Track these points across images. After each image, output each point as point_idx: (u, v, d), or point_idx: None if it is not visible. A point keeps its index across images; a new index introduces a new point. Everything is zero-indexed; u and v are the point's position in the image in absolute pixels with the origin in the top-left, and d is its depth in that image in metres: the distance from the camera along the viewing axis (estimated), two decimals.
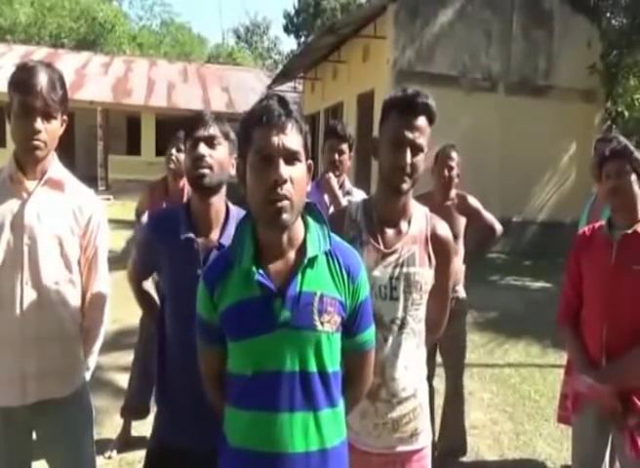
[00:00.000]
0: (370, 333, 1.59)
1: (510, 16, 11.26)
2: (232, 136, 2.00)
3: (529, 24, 11.35)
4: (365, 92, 11.77)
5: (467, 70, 11.10)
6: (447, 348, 3.42)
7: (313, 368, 1.46)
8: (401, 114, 1.80)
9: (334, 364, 1.50)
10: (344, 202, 3.17)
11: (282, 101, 1.42)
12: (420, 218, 1.92)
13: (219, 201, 1.99)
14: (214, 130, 1.94)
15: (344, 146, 3.37)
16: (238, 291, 1.46)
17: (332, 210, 3.23)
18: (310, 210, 1.53)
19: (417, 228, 1.90)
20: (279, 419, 1.44)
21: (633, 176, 2.24)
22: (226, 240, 1.94)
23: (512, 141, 10.69)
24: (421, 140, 1.79)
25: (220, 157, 1.95)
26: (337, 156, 3.36)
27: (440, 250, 1.90)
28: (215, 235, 1.98)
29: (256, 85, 22.28)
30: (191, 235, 1.93)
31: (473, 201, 3.47)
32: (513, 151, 10.49)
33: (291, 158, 1.39)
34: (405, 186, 1.81)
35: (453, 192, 3.42)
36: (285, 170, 1.37)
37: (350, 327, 1.53)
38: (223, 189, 2.02)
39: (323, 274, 1.47)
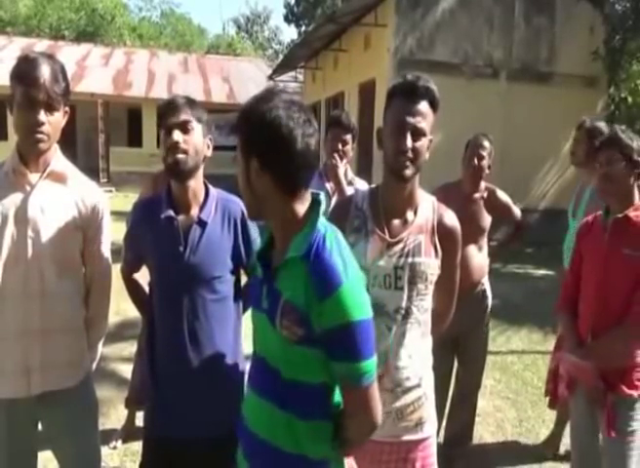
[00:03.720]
0: (354, 368, 1.36)
1: (512, 1, 11.16)
2: (205, 117, 2.04)
3: (531, 10, 11.25)
4: (366, 81, 11.72)
5: (469, 58, 11.02)
6: (468, 344, 3.34)
7: (272, 363, 1.47)
8: (402, 99, 1.80)
9: (293, 373, 1.42)
10: (349, 191, 3.15)
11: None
12: (426, 208, 1.91)
13: (196, 183, 2.04)
14: (186, 115, 1.96)
15: (348, 137, 3.35)
16: (257, 269, 1.57)
17: (335, 198, 3.22)
18: (315, 208, 1.45)
19: (423, 217, 1.88)
20: (255, 401, 1.52)
21: (623, 163, 2.28)
22: (206, 215, 2.01)
23: (514, 128, 10.64)
24: (423, 125, 1.78)
25: (195, 141, 1.98)
26: (340, 146, 3.34)
27: (447, 239, 1.88)
28: (195, 212, 2.03)
29: (257, 75, 22.19)
30: (171, 213, 1.99)
31: (502, 195, 3.41)
32: (515, 138, 10.44)
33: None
34: (408, 172, 1.80)
35: (482, 184, 3.34)
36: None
37: (327, 349, 1.37)
38: (200, 171, 2.06)
39: (295, 279, 1.37)
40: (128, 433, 3.54)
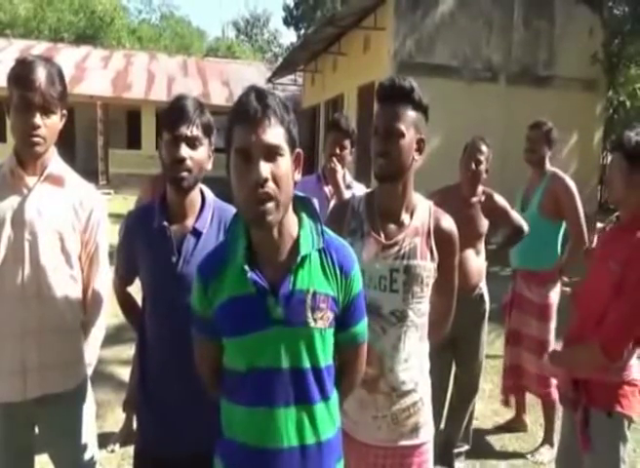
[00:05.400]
0: (362, 326, 1.58)
1: (511, 5, 11.19)
2: (212, 127, 1.94)
3: (530, 14, 11.28)
4: (365, 84, 11.72)
5: (468, 61, 11.05)
6: (466, 347, 3.34)
7: (306, 364, 1.45)
8: (378, 103, 1.85)
9: (327, 358, 1.50)
10: (347, 194, 3.14)
11: (259, 95, 1.38)
12: (422, 211, 1.91)
13: (193, 192, 1.96)
14: (197, 129, 1.86)
15: (347, 142, 3.33)
16: (233, 287, 1.44)
17: (333, 202, 3.22)
18: (305, 206, 1.51)
19: (419, 220, 1.88)
20: (274, 415, 1.43)
21: (621, 166, 2.14)
22: (201, 225, 1.94)
23: (514, 131, 10.59)
24: (399, 126, 1.78)
25: (200, 158, 1.90)
26: (338, 150, 3.33)
27: (444, 243, 1.88)
28: (190, 222, 1.95)
29: (256, 78, 22.16)
30: (164, 222, 1.91)
31: (500, 199, 3.39)
32: (515, 141, 10.35)
33: (272, 153, 1.33)
34: (380, 172, 1.83)
35: (480, 188, 3.32)
36: (265, 168, 1.32)
37: (343, 320, 1.52)
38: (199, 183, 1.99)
39: (316, 271, 1.46)
40: (126, 436, 3.53)
